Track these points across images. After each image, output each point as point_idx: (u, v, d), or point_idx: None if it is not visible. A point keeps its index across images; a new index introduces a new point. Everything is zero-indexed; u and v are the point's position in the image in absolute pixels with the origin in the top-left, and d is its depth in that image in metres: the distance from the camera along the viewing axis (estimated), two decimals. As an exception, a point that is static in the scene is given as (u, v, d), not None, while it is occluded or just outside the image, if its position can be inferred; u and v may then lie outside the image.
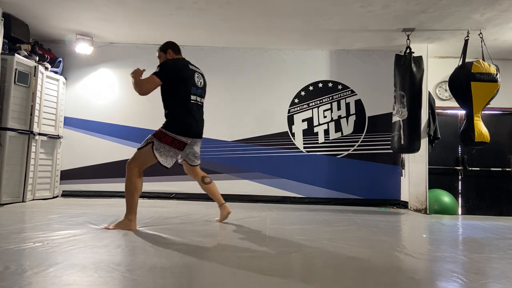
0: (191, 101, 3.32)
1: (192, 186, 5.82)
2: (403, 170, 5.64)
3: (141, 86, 3.17)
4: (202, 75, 3.56)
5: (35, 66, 4.94)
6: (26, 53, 4.89)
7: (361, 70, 5.86)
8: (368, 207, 5.48)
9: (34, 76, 4.93)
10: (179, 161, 3.51)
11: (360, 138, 5.82)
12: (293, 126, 5.84)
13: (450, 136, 5.93)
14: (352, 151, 5.81)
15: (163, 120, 5.99)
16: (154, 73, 3.19)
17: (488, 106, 5.00)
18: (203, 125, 3.51)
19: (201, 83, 3.50)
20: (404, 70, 5.06)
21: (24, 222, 3.61)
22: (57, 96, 5.48)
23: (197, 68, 3.52)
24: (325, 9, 4.44)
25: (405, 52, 5.10)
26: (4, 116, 4.54)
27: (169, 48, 3.49)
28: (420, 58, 5.12)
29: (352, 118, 5.84)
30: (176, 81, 3.25)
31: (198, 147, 3.55)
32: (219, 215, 3.63)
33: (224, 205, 3.60)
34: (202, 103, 3.52)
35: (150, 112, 5.84)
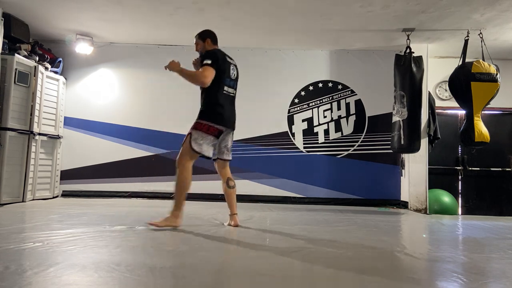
0: (224, 92, 3.36)
1: (192, 186, 5.83)
2: (403, 170, 5.64)
3: (202, 78, 3.22)
4: (236, 67, 3.59)
5: (35, 66, 4.94)
6: (26, 53, 4.89)
7: (361, 70, 5.86)
8: (368, 207, 5.48)
9: (34, 76, 4.93)
10: (213, 156, 3.46)
11: (360, 138, 5.82)
12: (293, 126, 5.84)
13: (450, 136, 5.92)
14: (352, 151, 5.81)
15: (163, 120, 6.00)
16: (207, 64, 3.23)
17: (488, 106, 5.00)
18: (235, 117, 3.55)
19: (234, 75, 3.53)
20: (404, 70, 5.06)
21: (24, 222, 3.61)
22: (57, 96, 5.48)
23: (232, 59, 3.55)
24: (325, 9, 4.44)
25: (405, 52, 5.10)
26: (4, 116, 4.54)
27: (207, 37, 3.53)
28: (420, 58, 5.12)
29: (352, 118, 5.84)
30: (217, 72, 3.27)
31: (231, 139, 3.56)
32: (229, 221, 3.51)
33: (235, 216, 3.48)
34: (235, 94, 3.56)
35: (150, 112, 5.87)
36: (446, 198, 5.49)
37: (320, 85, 5.88)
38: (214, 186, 5.66)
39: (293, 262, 2.34)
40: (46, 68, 5.22)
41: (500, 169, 6.06)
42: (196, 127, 3.27)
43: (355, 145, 5.81)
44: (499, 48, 5.46)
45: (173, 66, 3.41)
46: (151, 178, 5.75)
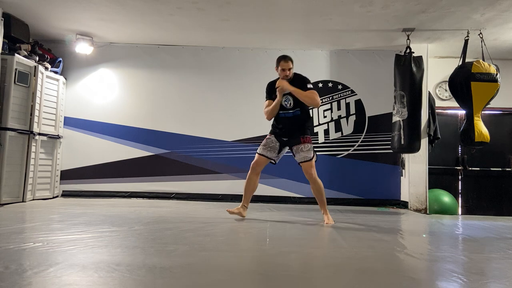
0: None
1: (192, 186, 5.85)
2: (403, 170, 5.64)
3: (319, 101, 3.81)
4: None
5: (35, 66, 4.94)
6: (26, 53, 4.89)
7: (361, 70, 5.85)
8: (368, 207, 5.48)
9: (34, 76, 4.93)
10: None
11: (360, 138, 5.82)
12: (293, 126, 5.83)
13: (450, 136, 5.92)
14: (352, 151, 5.81)
15: (163, 120, 5.98)
16: (313, 88, 3.80)
17: (488, 106, 5.00)
18: None
19: None
20: (404, 70, 5.06)
21: (24, 222, 3.62)
22: (57, 96, 5.48)
23: None
24: (325, 9, 4.44)
25: (405, 52, 5.10)
26: (4, 116, 4.54)
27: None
28: (420, 58, 5.12)
29: (352, 118, 5.84)
30: None
31: None
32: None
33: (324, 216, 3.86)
34: None
35: (150, 112, 5.87)
36: (446, 198, 5.49)
37: (320, 85, 5.87)
38: (214, 186, 5.70)
39: (293, 262, 2.34)
40: (46, 68, 5.21)
41: (500, 169, 6.06)
42: (309, 141, 3.82)
43: (355, 145, 5.81)
44: (499, 48, 5.46)
45: (287, 87, 3.71)
46: (151, 178, 5.75)
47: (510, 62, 5.91)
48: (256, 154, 3.89)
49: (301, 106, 3.78)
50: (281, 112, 3.80)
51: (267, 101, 3.85)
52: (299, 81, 3.76)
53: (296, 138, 3.78)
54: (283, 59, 3.76)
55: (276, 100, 3.75)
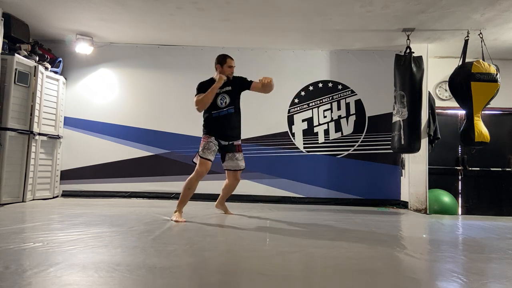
0: None
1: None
2: (403, 170, 5.64)
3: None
4: None
5: (35, 66, 4.94)
6: (26, 53, 4.89)
7: (361, 70, 5.85)
8: (368, 207, 5.48)
9: (34, 76, 4.93)
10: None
11: (360, 138, 5.82)
12: (293, 126, 5.84)
13: (450, 136, 5.92)
14: (352, 151, 5.81)
15: (163, 120, 6.00)
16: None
17: (488, 106, 5.00)
18: None
19: None
20: (404, 70, 5.06)
21: (24, 222, 3.62)
22: (57, 96, 5.49)
23: None
24: (325, 9, 4.44)
25: (405, 52, 5.10)
26: (4, 116, 4.54)
27: None
28: (420, 58, 5.12)
29: (352, 118, 5.84)
30: None
31: None
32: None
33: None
34: None
35: (150, 112, 5.87)
36: (446, 198, 5.49)
37: (320, 85, 5.88)
38: (214, 186, 5.68)
39: (293, 262, 2.34)
40: (46, 68, 5.21)
41: (500, 169, 6.06)
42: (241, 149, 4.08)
43: (355, 145, 5.81)
44: (499, 48, 5.46)
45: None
46: (151, 178, 5.75)
47: (510, 62, 5.91)
48: (202, 159, 3.77)
49: (235, 104, 3.91)
50: (214, 112, 3.84)
51: (200, 93, 3.79)
52: (239, 79, 3.91)
53: (232, 146, 3.94)
54: (230, 57, 3.90)
55: (216, 83, 3.75)
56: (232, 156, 3.93)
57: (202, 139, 3.88)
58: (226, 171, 4.03)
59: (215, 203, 4.30)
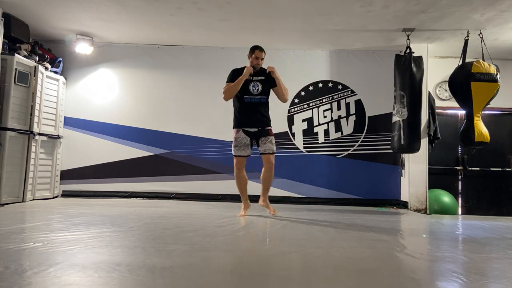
0: None
1: (192, 186, 5.85)
2: (403, 170, 5.64)
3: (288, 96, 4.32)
4: None
5: (35, 66, 4.94)
6: (26, 53, 4.89)
7: (361, 70, 5.85)
8: (368, 207, 5.48)
9: (34, 76, 4.93)
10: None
11: (360, 138, 5.81)
12: (293, 126, 5.84)
13: (450, 136, 5.92)
14: (352, 151, 5.81)
15: (162, 120, 6.01)
16: None
17: (488, 106, 5.00)
18: None
19: None
20: (404, 70, 5.06)
21: (24, 222, 3.62)
22: (57, 96, 5.49)
23: None
24: (325, 9, 4.44)
25: (405, 52, 5.10)
26: (4, 116, 4.54)
27: None
28: (420, 58, 5.12)
29: (352, 118, 5.84)
30: None
31: None
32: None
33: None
34: None
35: (150, 112, 5.87)
36: (446, 198, 5.49)
37: (320, 85, 5.88)
38: (214, 186, 5.69)
39: (293, 262, 2.34)
40: (46, 68, 5.21)
41: (500, 169, 6.06)
42: (272, 133, 4.03)
43: (355, 145, 5.81)
44: (499, 48, 5.46)
45: (273, 70, 4.03)
46: (151, 178, 5.75)
47: (510, 62, 5.91)
48: (234, 157, 3.99)
49: (266, 95, 4.02)
50: (247, 97, 3.92)
51: (227, 83, 3.95)
52: (272, 77, 4.01)
53: (264, 130, 3.95)
54: (258, 49, 4.02)
55: (241, 76, 3.88)
56: (265, 140, 3.96)
57: (233, 133, 4.02)
58: (261, 155, 4.02)
59: (259, 201, 4.16)
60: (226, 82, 3.96)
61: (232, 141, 4.00)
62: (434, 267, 2.36)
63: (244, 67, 3.98)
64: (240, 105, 3.96)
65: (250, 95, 3.94)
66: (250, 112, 3.94)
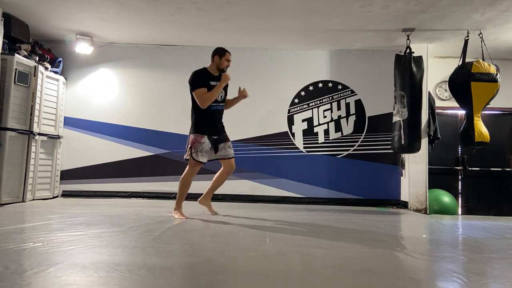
0: None
1: (192, 186, 5.82)
2: (403, 170, 5.64)
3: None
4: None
5: (35, 66, 4.94)
6: (26, 53, 4.89)
7: (361, 70, 5.85)
8: (368, 207, 5.48)
9: (34, 76, 4.93)
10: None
11: (360, 138, 5.81)
12: (293, 126, 5.84)
13: (450, 136, 5.92)
14: (352, 151, 5.81)
15: (163, 120, 6.01)
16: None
17: (488, 106, 5.00)
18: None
19: None
20: (404, 70, 5.06)
21: (24, 222, 3.62)
22: (57, 96, 5.48)
23: None
24: (325, 9, 4.44)
25: (405, 52, 5.10)
26: (4, 116, 4.54)
27: None
28: (420, 58, 5.12)
29: (352, 118, 5.84)
30: None
31: None
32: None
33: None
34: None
35: (150, 112, 5.86)
36: (446, 198, 5.49)
37: (320, 85, 5.88)
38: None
39: (293, 262, 2.34)
40: (46, 68, 5.21)
41: (500, 169, 6.06)
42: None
43: (355, 145, 5.81)
44: (499, 48, 5.46)
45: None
46: (151, 178, 5.75)
47: (510, 62, 5.91)
48: (195, 162, 3.80)
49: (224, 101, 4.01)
50: (213, 104, 3.84)
51: (203, 88, 3.76)
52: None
53: (222, 136, 3.95)
54: (228, 51, 3.93)
55: (220, 83, 3.81)
56: (224, 145, 3.96)
57: (193, 137, 3.80)
58: (220, 160, 4.00)
59: (199, 198, 4.21)
60: (197, 87, 3.76)
61: (189, 145, 3.86)
62: (434, 267, 2.36)
63: (204, 69, 3.89)
64: (206, 112, 3.81)
65: (216, 102, 3.84)
66: (215, 119, 3.88)
